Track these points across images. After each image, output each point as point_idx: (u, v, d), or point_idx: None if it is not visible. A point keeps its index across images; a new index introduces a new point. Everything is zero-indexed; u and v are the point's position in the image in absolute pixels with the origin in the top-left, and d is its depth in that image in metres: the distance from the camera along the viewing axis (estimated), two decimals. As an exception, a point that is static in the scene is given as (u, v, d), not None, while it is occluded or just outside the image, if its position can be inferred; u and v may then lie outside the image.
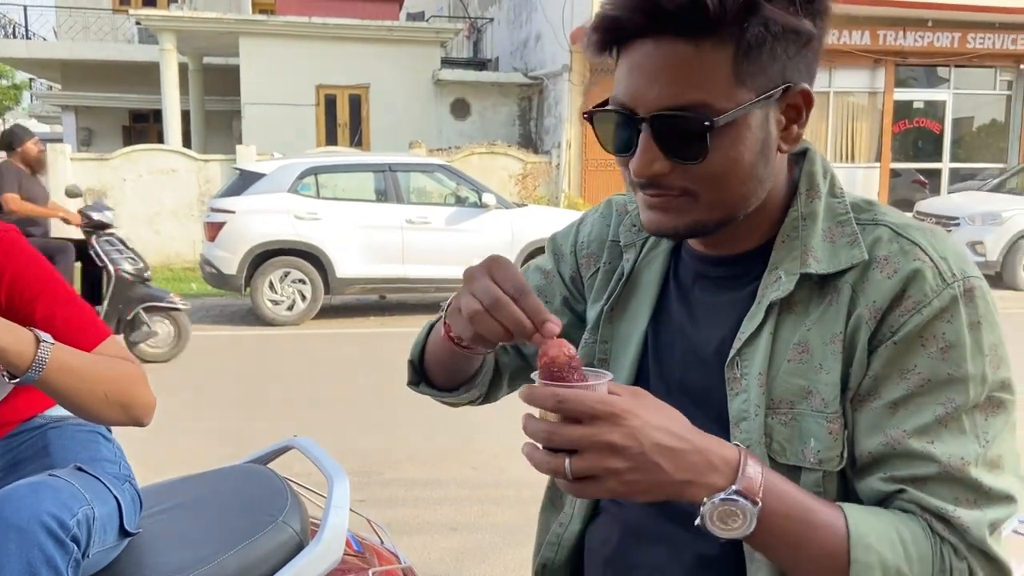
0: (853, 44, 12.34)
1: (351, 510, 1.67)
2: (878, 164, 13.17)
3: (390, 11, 15.24)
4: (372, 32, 13.81)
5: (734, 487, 0.70)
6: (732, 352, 0.84)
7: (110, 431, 1.52)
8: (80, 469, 1.30)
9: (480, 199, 7.96)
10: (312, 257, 7.59)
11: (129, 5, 17.71)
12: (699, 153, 0.76)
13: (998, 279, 9.04)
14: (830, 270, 0.81)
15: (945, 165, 13.64)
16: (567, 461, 0.67)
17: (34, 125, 23.02)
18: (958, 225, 9.21)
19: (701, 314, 0.90)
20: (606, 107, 0.81)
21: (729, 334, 0.85)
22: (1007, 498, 0.76)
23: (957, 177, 13.44)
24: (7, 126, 7.75)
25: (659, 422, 0.69)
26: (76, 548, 1.16)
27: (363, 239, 7.69)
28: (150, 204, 11.07)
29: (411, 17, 17.27)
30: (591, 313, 0.99)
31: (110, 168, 11.07)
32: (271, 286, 7.55)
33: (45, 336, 1.19)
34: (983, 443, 0.76)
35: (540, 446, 0.69)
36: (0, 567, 1.08)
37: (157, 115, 15.00)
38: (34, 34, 18.13)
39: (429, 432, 4.28)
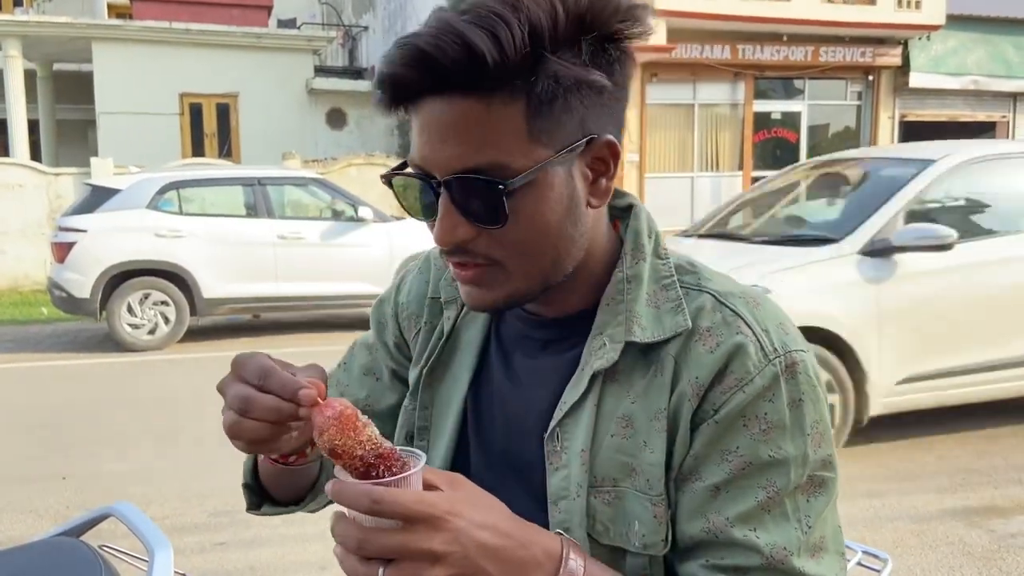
0: (715, 58, 12.92)
1: (185, 576, 1.55)
2: (741, 172, 13.72)
3: (259, 17, 14.71)
4: (239, 39, 13.30)
5: None
6: (553, 423, 0.78)
7: None
8: None
9: (356, 213, 7.77)
10: (175, 277, 7.22)
11: (-32, 7, 16.38)
12: (499, 217, 0.70)
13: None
14: (655, 338, 0.77)
15: (803, 172, 14.50)
16: (381, 571, 0.60)
17: None
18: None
19: (523, 379, 0.84)
20: (404, 170, 0.74)
21: (550, 403, 0.80)
22: None
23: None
24: None
25: (482, 519, 0.64)
26: None
27: (232, 256, 7.37)
28: (-6, 222, 10.25)
29: (282, 24, 16.69)
30: (411, 376, 0.92)
31: (-55, 184, 10.15)
32: (130, 309, 7.10)
33: None
34: (805, 528, 0.74)
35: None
36: None
37: (3, 126, 13.88)
38: None
39: (299, 462, 4.08)
